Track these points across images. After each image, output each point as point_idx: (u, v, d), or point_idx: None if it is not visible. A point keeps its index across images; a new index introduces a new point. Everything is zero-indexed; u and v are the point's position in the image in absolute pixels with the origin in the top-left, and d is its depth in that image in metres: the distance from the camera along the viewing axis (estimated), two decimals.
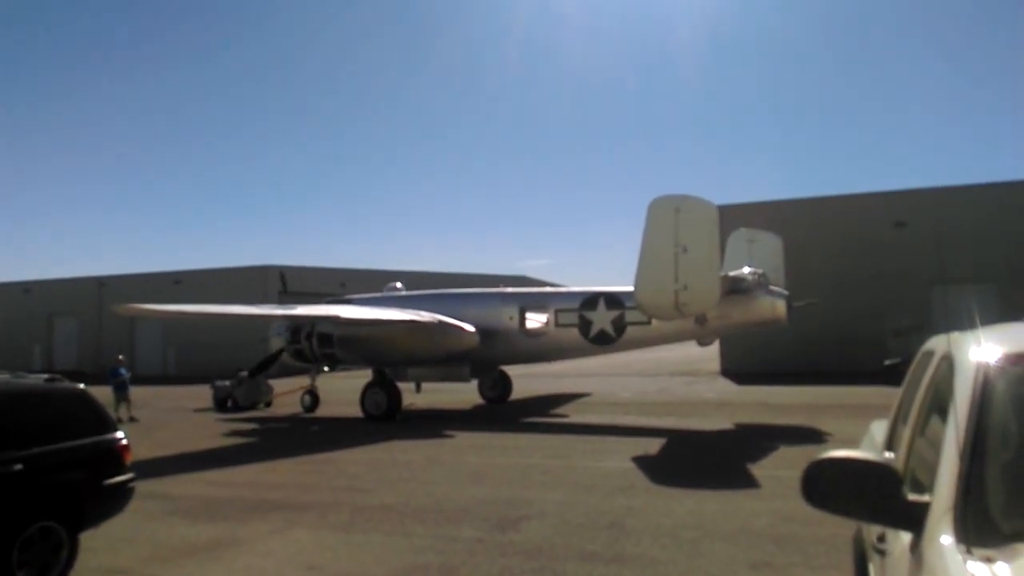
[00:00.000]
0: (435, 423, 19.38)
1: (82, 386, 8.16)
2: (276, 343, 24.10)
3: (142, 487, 8.88)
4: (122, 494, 7.88)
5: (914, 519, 2.52)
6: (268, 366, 24.61)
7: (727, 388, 27.33)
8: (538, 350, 21.72)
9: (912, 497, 2.57)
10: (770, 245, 20.97)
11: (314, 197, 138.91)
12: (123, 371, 23.14)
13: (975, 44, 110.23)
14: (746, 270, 18.76)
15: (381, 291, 25.22)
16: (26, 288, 54.71)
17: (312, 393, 23.35)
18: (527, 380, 28.08)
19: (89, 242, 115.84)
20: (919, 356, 4.32)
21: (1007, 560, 2.11)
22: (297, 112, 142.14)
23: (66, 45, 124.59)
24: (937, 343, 3.80)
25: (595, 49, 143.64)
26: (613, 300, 20.15)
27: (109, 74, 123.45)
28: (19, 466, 6.86)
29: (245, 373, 25.30)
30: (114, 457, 7.86)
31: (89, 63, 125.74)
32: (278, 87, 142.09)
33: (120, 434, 8.09)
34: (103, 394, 10.95)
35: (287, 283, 25.90)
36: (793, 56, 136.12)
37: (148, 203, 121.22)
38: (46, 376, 8.24)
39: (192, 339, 45.82)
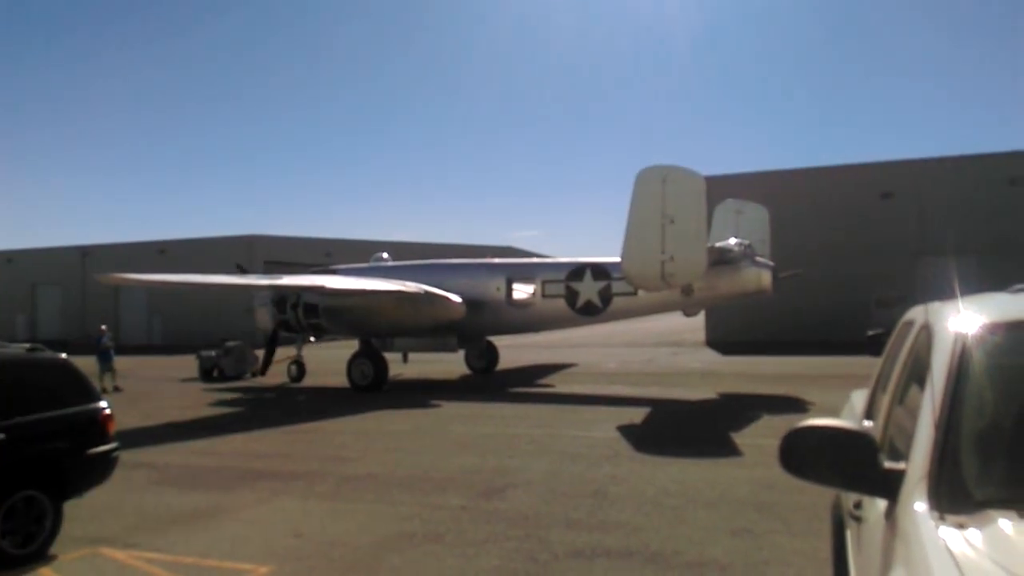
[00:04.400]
0: (422, 393, 19.43)
1: (64, 356, 8.10)
2: (261, 314, 23.97)
3: (127, 456, 8.88)
4: (106, 463, 7.87)
5: (890, 486, 2.55)
6: (274, 351, 24.16)
7: (712, 358, 27.53)
8: (525, 321, 21.75)
9: (888, 465, 2.59)
10: (757, 216, 21.01)
11: (300, 166, 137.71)
12: (106, 340, 23.04)
13: (962, 15, 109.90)
14: (732, 241, 18.79)
15: (367, 261, 25.11)
16: (9, 258, 54.13)
17: (298, 363, 23.32)
18: (514, 351, 28.17)
19: (72, 211, 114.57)
20: (899, 326, 4.35)
21: (979, 526, 2.14)
22: (282, 81, 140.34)
23: (48, 16, 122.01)
24: (917, 313, 3.82)
25: (585, 19, 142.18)
26: (600, 271, 20.16)
27: (92, 45, 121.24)
28: (1, 436, 6.83)
29: (231, 343, 25.23)
30: (98, 427, 7.83)
31: (72, 36, 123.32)
32: (261, 56, 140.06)
33: (104, 404, 8.05)
34: (86, 364, 10.90)
35: (245, 269, 25.35)
36: (782, 28, 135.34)
37: (132, 173, 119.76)
38: (28, 346, 8.18)
39: (177, 309, 45.58)
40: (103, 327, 24.36)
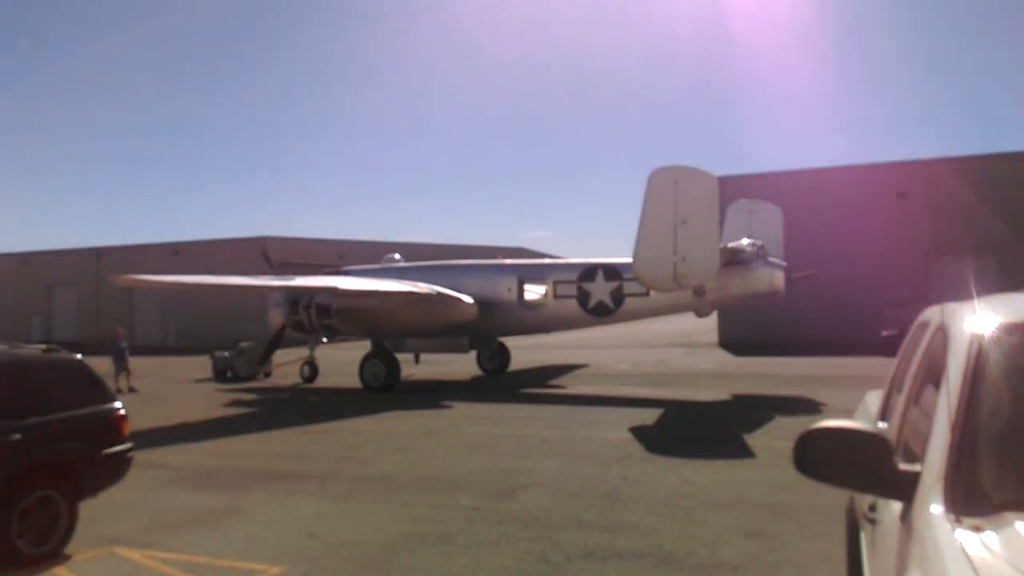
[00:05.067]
0: (433, 394, 19.45)
1: (79, 356, 8.16)
2: (275, 315, 24.09)
3: (141, 457, 8.94)
4: (120, 464, 7.92)
5: (905, 488, 2.53)
6: (276, 346, 24.37)
7: (724, 359, 27.42)
8: (536, 321, 21.74)
9: (903, 466, 2.57)
10: (770, 216, 20.91)
11: (312, 168, 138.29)
12: (120, 341, 23.27)
13: (978, 13, 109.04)
14: (745, 241, 18.72)
15: (379, 262, 25.18)
16: (25, 259, 54.61)
17: (311, 364, 23.42)
18: (525, 351, 28.16)
19: (87, 213, 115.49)
20: (914, 327, 4.31)
21: (995, 529, 2.11)
22: (293, 83, 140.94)
23: (58, 16, 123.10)
24: (932, 314, 3.79)
25: (596, 17, 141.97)
26: (611, 272, 20.13)
27: (106, 46, 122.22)
28: (17, 436, 6.89)
29: (245, 344, 25.36)
30: (112, 427, 7.89)
31: (85, 38, 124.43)
32: (273, 58, 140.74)
33: (118, 404, 8.10)
34: (102, 365, 10.98)
35: (271, 259, 25.50)
36: (795, 27, 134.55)
37: (146, 175, 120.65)
38: (44, 347, 8.25)
39: (191, 310, 45.86)
40: (118, 328, 24.59)
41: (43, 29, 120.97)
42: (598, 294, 20.24)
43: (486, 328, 21.64)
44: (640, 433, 13.10)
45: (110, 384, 9.25)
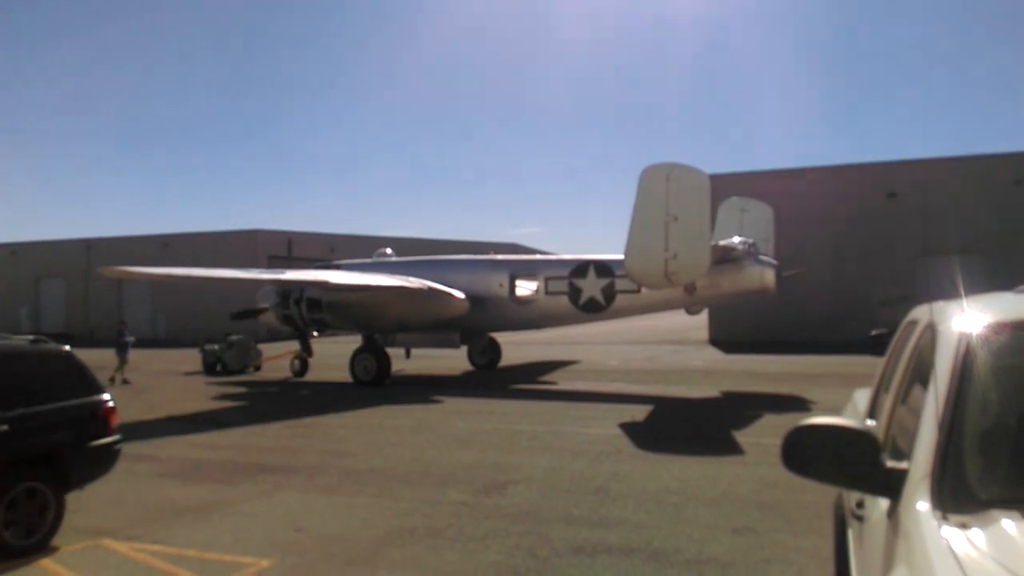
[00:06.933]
0: (424, 389, 19.44)
1: (68, 348, 8.11)
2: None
3: (130, 449, 8.90)
4: (108, 456, 7.88)
5: (892, 485, 2.54)
6: (250, 315, 24.29)
7: (715, 356, 27.49)
8: (528, 317, 21.75)
9: (890, 464, 2.58)
10: (761, 214, 20.97)
11: (303, 162, 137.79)
12: (126, 334, 23.41)
13: (968, 15, 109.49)
14: (736, 239, 18.76)
15: (371, 257, 25.13)
16: (13, 250, 54.22)
17: (302, 357, 23.35)
18: (516, 347, 28.16)
19: (76, 204, 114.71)
20: (903, 325, 4.34)
21: (981, 526, 2.13)
22: (285, 77, 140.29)
23: (52, 10, 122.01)
24: (921, 312, 3.80)
25: (590, 14, 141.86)
26: (603, 268, 20.15)
27: (98, 38, 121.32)
28: (4, 427, 6.84)
29: (235, 337, 25.28)
30: (100, 419, 7.84)
31: (76, 30, 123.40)
32: (266, 51, 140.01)
33: (107, 396, 8.06)
34: (90, 357, 10.90)
35: (292, 250, 25.65)
36: (788, 27, 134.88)
37: (136, 167, 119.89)
38: (31, 338, 8.19)
39: (181, 303, 45.56)
40: (124, 321, 24.70)
41: (35, 22, 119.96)
42: (589, 290, 20.27)
43: (477, 323, 21.65)
44: (630, 429, 13.12)
45: (109, 375, 9.19)
